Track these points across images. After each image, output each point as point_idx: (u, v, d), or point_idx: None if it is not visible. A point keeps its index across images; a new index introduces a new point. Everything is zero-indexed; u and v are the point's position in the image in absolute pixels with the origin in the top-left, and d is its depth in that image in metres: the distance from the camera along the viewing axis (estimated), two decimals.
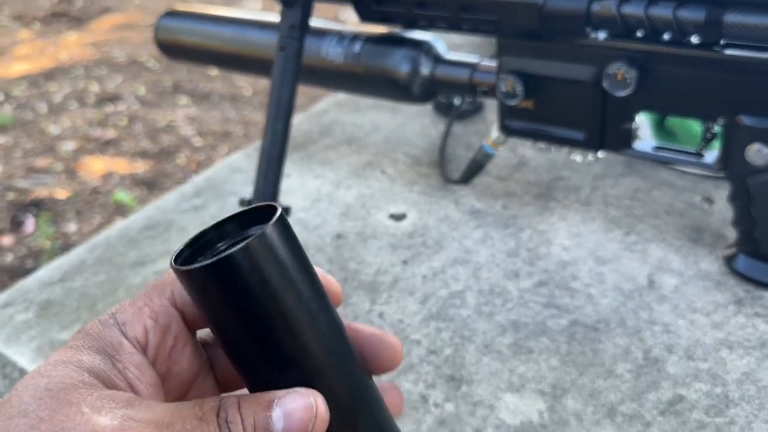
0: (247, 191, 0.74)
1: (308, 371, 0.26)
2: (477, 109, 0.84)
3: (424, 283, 0.58)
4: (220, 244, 0.28)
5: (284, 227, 0.27)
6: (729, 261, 0.54)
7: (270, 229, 0.26)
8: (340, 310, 0.54)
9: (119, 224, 0.72)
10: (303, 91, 0.64)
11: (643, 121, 0.68)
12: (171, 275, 0.28)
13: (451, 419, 0.46)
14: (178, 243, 0.66)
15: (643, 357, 0.48)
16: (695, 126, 0.68)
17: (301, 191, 0.73)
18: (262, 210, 0.28)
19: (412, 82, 0.61)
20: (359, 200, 0.70)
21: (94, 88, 3.12)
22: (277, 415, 0.23)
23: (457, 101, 0.81)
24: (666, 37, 0.48)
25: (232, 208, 0.71)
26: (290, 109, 0.60)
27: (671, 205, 0.63)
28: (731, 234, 0.59)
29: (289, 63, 0.60)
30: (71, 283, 0.63)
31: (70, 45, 3.64)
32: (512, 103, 0.56)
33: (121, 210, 2.29)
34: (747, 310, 0.51)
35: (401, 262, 0.60)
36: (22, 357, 0.55)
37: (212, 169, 0.81)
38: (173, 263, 0.26)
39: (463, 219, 0.65)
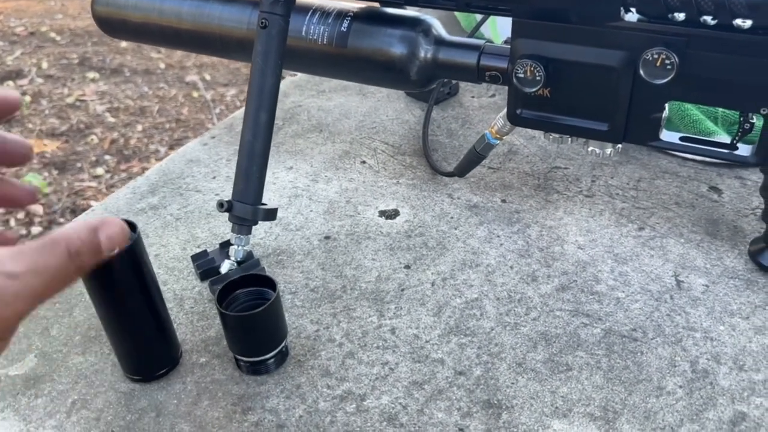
0: (211, 187, 0.66)
1: None
2: (453, 92, 0.78)
3: (434, 291, 0.52)
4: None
5: None
6: (756, 256, 0.52)
7: None
8: (346, 326, 0.47)
9: (67, 226, 0.62)
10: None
11: None
12: None
13: None
14: None
15: (691, 369, 0.44)
16: (693, 110, 0.65)
17: (274, 186, 0.65)
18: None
19: (411, 65, 0.55)
20: (343, 195, 0.63)
21: None
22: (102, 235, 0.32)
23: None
24: (710, 20, 0.44)
25: (196, 205, 0.63)
26: (275, 97, 0.53)
27: (678, 195, 0.60)
28: (748, 226, 0.56)
29: (273, 43, 0.52)
30: None
31: None
32: (530, 90, 0.50)
33: None
34: None
35: (403, 266, 0.54)
36: None
37: (166, 160, 0.71)
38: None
39: (462, 215, 0.60)
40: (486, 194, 0.62)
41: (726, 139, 0.51)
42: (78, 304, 0.53)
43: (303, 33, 0.57)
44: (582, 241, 0.56)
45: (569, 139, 0.53)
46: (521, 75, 0.50)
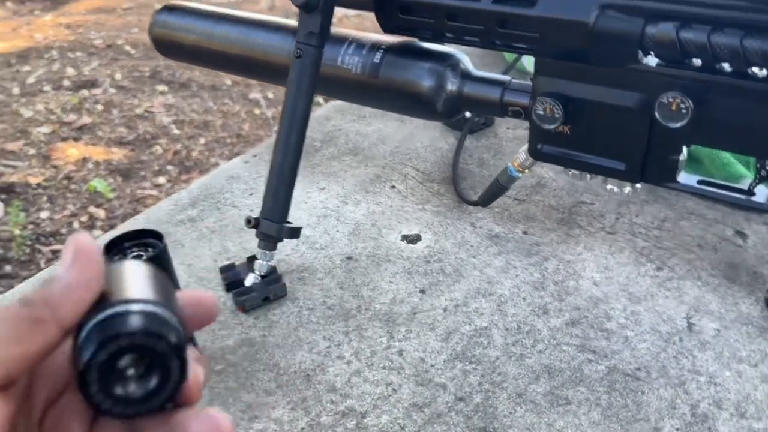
0: (247, 203, 0.69)
1: None
2: (488, 123, 0.80)
3: (445, 317, 0.53)
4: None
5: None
6: None
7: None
8: (356, 344, 0.49)
9: (107, 236, 0.66)
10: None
11: None
12: None
13: None
14: (173, 259, 0.61)
15: (690, 413, 0.45)
16: (724, 154, 0.64)
17: (306, 205, 0.68)
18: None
19: (437, 98, 0.57)
20: (369, 218, 0.65)
21: (70, 71, 3.02)
22: None
23: (468, 114, 0.77)
24: (727, 67, 0.45)
25: (231, 219, 0.66)
26: (305, 122, 0.56)
27: (702, 237, 0.60)
28: None
29: (306, 72, 0.55)
30: None
31: (45, 26, 3.52)
32: (549, 127, 0.51)
33: (96, 198, 2.22)
34: None
35: (418, 291, 0.56)
36: None
37: (208, 176, 0.75)
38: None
39: (482, 244, 0.61)
40: (508, 225, 0.63)
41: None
42: None
43: (338, 62, 0.60)
44: (598, 277, 0.56)
45: (588, 175, 0.54)
46: (540, 112, 0.51)
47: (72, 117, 2.68)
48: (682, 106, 0.46)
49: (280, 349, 0.51)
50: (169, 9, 0.72)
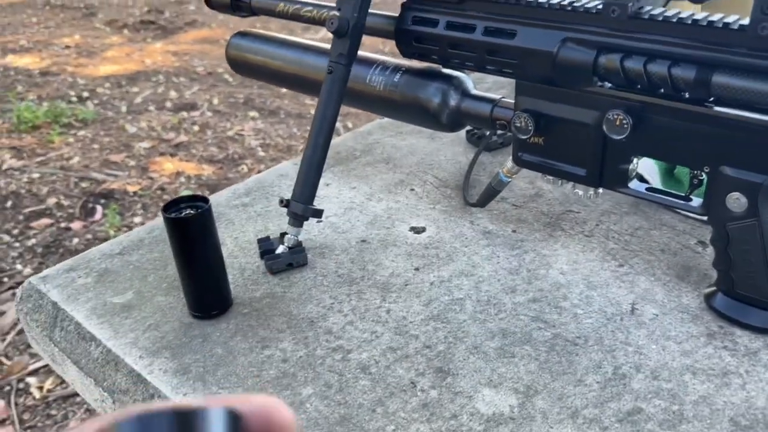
0: (289, 194, 0.82)
1: None
2: (506, 143, 0.91)
3: (430, 289, 0.65)
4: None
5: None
6: (708, 298, 0.60)
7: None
8: (355, 303, 0.61)
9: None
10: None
11: (652, 168, 0.74)
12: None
13: (433, 403, 0.52)
14: (224, 233, 0.75)
15: (612, 372, 0.54)
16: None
17: (337, 199, 0.81)
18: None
19: (441, 112, 0.69)
20: (387, 212, 0.78)
21: (173, 94, 3.31)
22: None
23: (487, 132, 0.88)
24: (662, 90, 0.55)
25: (275, 206, 0.80)
26: (332, 126, 0.69)
27: (667, 244, 0.69)
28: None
29: (335, 85, 0.69)
30: (128, 257, 0.73)
31: (155, 52, 3.87)
32: (524, 137, 0.63)
33: None
34: (717, 343, 0.56)
35: (413, 268, 0.68)
36: (78, 314, 0.65)
37: (264, 173, 0.90)
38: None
39: (476, 238, 0.72)
40: (501, 224, 0.74)
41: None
42: (171, 262, 0.71)
43: (367, 80, 0.74)
44: (566, 268, 0.66)
45: (560, 181, 0.65)
46: (518, 125, 0.63)
47: (171, 135, 2.94)
48: (624, 121, 0.56)
49: (295, 302, 0.64)
50: (242, 34, 0.88)
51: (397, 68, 0.73)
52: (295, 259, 0.69)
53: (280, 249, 0.70)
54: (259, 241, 0.72)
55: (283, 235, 0.72)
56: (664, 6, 0.67)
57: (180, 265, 0.62)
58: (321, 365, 0.56)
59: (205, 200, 0.61)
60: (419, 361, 0.56)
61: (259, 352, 0.58)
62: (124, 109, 3.14)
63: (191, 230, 0.60)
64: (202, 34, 4.25)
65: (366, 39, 0.71)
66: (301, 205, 0.69)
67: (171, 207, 0.61)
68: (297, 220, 0.69)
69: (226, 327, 0.62)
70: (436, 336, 0.59)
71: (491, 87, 1.05)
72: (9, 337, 1.78)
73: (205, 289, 0.63)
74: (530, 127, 0.62)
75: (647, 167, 0.74)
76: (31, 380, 1.65)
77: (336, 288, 0.66)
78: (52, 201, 2.40)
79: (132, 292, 0.67)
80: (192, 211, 0.60)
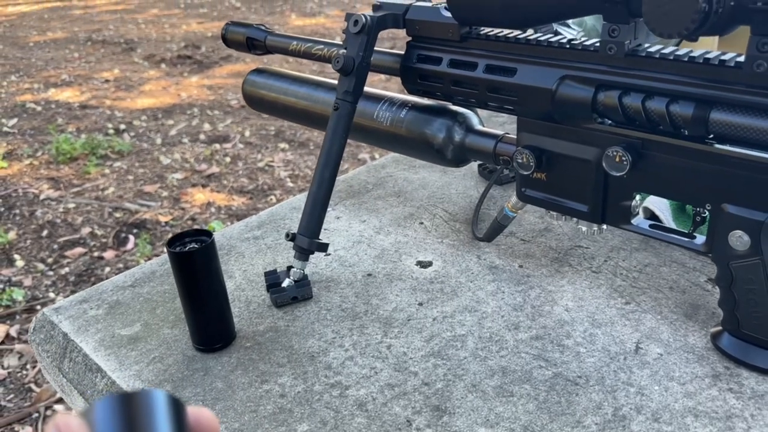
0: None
1: None
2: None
3: (432, 324, 0.64)
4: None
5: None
6: (714, 338, 0.58)
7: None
8: (356, 338, 0.61)
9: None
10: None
11: (663, 204, 0.73)
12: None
13: None
14: (234, 265, 0.76)
15: (612, 413, 0.53)
16: None
17: (346, 232, 0.82)
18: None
19: (446, 147, 0.70)
20: (394, 246, 0.78)
21: (206, 126, 3.38)
22: None
23: (498, 167, 0.88)
24: (661, 127, 0.54)
25: (284, 241, 0.81)
26: (338, 160, 0.70)
27: (676, 281, 0.68)
28: None
29: (341, 121, 0.70)
30: (140, 288, 0.74)
31: (190, 86, 3.97)
32: (526, 173, 0.63)
33: None
34: (722, 385, 0.55)
35: (417, 303, 0.68)
36: (87, 345, 0.66)
37: (277, 206, 0.91)
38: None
39: (482, 272, 0.72)
40: (509, 259, 0.73)
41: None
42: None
43: (374, 116, 0.75)
44: (571, 305, 0.65)
45: (563, 216, 0.64)
46: (519, 161, 0.63)
47: (203, 166, 3.00)
48: (624, 158, 0.56)
49: (297, 336, 0.65)
50: (258, 71, 0.90)
51: (403, 104, 0.73)
52: (300, 292, 0.70)
53: (286, 282, 0.70)
54: (266, 274, 0.73)
55: (289, 268, 0.73)
56: (677, 46, 0.67)
57: (184, 298, 0.63)
58: (318, 401, 0.56)
59: (209, 234, 0.62)
60: (417, 399, 0.56)
61: (258, 387, 0.59)
62: (159, 141, 3.22)
63: (194, 264, 0.61)
64: (236, 68, 4.35)
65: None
66: (307, 239, 0.69)
67: (175, 241, 0.62)
68: (302, 253, 0.70)
69: (227, 360, 0.62)
70: (436, 373, 0.58)
71: (506, 121, 1.05)
72: (39, 365, 1.81)
73: (208, 322, 0.63)
74: (532, 163, 0.62)
75: (658, 203, 0.73)
76: (59, 407, 1.68)
77: (339, 322, 0.66)
78: (86, 231, 2.46)
79: (140, 324, 0.69)
80: (196, 245, 0.61)
